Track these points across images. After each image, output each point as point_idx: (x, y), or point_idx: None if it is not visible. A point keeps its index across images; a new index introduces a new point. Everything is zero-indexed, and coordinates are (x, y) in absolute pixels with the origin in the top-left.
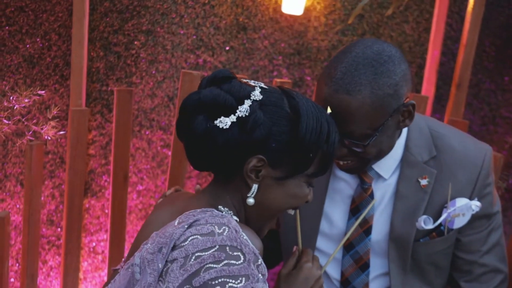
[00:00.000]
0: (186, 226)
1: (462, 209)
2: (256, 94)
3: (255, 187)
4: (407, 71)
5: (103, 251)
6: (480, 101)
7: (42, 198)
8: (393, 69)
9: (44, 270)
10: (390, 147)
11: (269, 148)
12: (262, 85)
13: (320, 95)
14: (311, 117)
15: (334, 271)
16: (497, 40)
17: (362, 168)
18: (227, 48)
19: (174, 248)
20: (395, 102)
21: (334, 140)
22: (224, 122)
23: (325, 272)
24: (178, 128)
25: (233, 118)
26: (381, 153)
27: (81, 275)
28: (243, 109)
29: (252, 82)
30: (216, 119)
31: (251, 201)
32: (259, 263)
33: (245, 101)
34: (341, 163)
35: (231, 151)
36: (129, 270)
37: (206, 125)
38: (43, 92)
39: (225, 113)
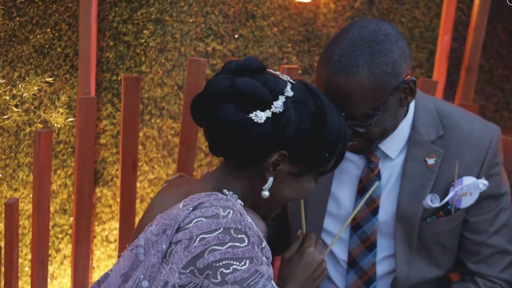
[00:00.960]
0: (190, 209)
1: (469, 187)
2: (288, 90)
3: (271, 180)
4: (406, 48)
5: (115, 240)
6: (493, 86)
7: (55, 188)
8: (390, 47)
9: (57, 258)
10: (395, 125)
11: (292, 145)
12: (290, 79)
13: (320, 79)
14: (335, 118)
15: (341, 252)
16: (509, 25)
17: (368, 148)
18: (236, 36)
19: (178, 230)
20: (394, 80)
21: (347, 141)
22: (259, 116)
23: (332, 253)
24: (197, 110)
25: (268, 113)
26: (385, 132)
27: (94, 264)
28: (278, 105)
29: (281, 75)
30: (251, 112)
31: (266, 193)
32: (263, 246)
33: (279, 96)
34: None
35: (258, 144)
36: (133, 251)
37: (238, 116)
38: (52, 79)
39: (261, 107)
